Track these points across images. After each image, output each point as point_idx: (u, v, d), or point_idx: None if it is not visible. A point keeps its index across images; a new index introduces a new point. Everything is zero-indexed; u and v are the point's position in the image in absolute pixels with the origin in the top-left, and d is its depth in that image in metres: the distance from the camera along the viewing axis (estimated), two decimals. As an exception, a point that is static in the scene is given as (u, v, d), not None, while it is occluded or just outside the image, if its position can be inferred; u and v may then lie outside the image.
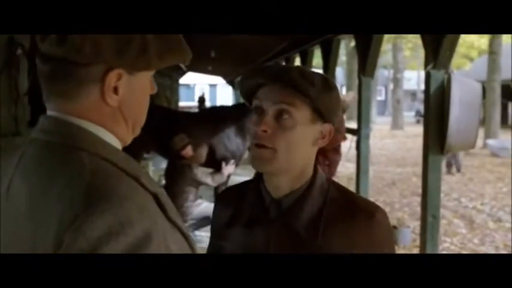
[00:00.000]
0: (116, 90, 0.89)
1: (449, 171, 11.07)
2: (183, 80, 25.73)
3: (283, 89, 1.14)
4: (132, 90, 0.92)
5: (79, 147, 0.87)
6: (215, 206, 1.35)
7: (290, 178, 1.19)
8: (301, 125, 1.15)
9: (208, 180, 5.88)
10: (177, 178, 5.68)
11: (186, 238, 0.94)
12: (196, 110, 15.73)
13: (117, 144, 0.94)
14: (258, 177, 1.25)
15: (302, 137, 1.16)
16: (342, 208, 1.18)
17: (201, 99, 21.61)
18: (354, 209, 1.17)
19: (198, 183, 5.77)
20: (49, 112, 0.92)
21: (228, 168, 6.32)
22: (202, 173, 5.85)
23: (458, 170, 11.28)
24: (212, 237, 1.33)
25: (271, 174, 1.20)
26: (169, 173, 5.94)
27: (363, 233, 1.14)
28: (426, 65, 3.80)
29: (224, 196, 1.34)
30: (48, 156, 0.87)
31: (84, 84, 0.88)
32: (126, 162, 0.89)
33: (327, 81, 1.18)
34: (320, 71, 2.13)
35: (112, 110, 0.91)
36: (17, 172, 0.89)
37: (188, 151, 5.69)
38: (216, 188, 6.91)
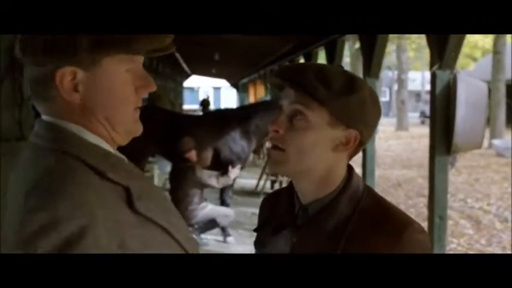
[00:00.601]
0: (76, 87, 0.91)
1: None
2: (187, 83, 25.82)
3: (299, 90, 1.09)
4: (97, 86, 0.92)
5: (52, 147, 0.90)
6: (259, 212, 1.33)
7: (311, 183, 1.13)
8: (316, 129, 1.08)
9: (214, 182, 5.88)
10: (181, 181, 5.68)
11: (170, 233, 0.93)
12: (201, 113, 15.76)
13: (99, 141, 0.95)
14: (292, 182, 1.21)
15: (317, 141, 1.09)
16: (370, 220, 1.08)
17: (206, 102, 21.55)
18: (383, 222, 1.07)
19: (202, 186, 5.77)
20: (42, 115, 0.95)
21: (235, 171, 6.32)
22: (207, 175, 5.85)
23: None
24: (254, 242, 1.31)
25: (293, 179, 1.17)
26: (173, 177, 5.95)
27: (387, 250, 1.03)
28: (431, 65, 3.78)
29: (264, 202, 1.32)
30: (30, 158, 0.91)
31: (45, 85, 0.90)
32: (99, 159, 0.91)
33: (352, 83, 1.09)
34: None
35: (80, 107, 0.92)
36: (12, 175, 0.93)
37: (192, 155, 5.70)
38: (221, 191, 6.91)
